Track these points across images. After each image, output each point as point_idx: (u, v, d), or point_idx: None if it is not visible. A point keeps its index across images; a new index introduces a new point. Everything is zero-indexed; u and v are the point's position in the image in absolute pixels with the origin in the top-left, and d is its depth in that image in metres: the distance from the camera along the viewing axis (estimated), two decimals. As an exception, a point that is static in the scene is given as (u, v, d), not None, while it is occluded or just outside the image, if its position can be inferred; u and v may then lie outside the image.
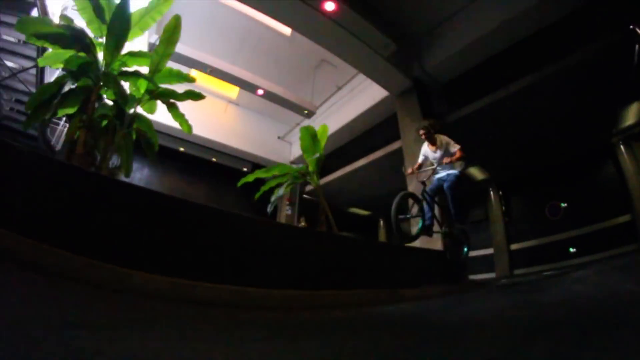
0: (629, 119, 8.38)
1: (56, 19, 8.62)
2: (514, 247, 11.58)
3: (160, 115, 4.48)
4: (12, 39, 7.62)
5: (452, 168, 4.67)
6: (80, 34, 3.53)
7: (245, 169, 12.79)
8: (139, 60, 3.96)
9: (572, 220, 10.56)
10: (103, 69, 3.60)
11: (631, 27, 5.09)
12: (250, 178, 4.91)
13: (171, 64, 4.24)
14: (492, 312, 2.54)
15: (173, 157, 12.01)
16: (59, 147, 9.49)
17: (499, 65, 6.91)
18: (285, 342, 1.46)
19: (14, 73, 7.62)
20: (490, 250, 11.69)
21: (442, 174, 4.70)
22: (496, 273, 11.21)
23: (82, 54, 3.54)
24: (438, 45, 6.95)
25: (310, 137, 4.63)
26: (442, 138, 4.72)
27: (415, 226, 4.94)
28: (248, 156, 12.41)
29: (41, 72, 7.51)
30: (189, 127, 4.44)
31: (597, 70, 6.34)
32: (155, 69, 3.92)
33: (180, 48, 8.08)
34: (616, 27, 5.49)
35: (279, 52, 9.16)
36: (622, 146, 9.13)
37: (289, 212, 10.71)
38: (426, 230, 4.59)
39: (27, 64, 7.63)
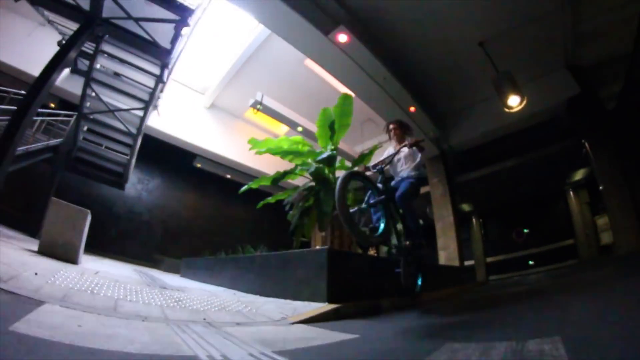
0: (577, 176, 12.10)
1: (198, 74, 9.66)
2: (489, 259, 15.11)
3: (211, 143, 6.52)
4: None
5: (413, 173, 3.57)
6: (332, 157, 5.68)
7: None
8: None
9: (531, 242, 14.26)
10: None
11: (582, 140, 8.44)
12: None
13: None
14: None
15: (216, 181, 14.10)
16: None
17: (499, 145, 10.10)
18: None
19: (110, 109, 8.20)
20: (472, 262, 15.12)
21: (400, 176, 3.66)
22: (477, 278, 14.62)
23: (320, 165, 5.70)
24: (462, 128, 9.88)
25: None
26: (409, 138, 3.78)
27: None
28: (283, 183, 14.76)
29: (144, 116, 8.45)
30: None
31: (561, 154, 9.79)
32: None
33: (279, 107, 10.37)
34: (575, 134, 8.85)
35: (339, 109, 11.60)
36: (571, 192, 12.92)
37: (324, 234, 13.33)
38: (376, 236, 3.02)
39: (134, 104, 8.36)
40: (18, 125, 4.83)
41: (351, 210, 2.74)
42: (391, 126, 3.80)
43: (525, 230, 14.64)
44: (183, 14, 6.20)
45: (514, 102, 6.67)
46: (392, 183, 3.56)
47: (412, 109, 8.24)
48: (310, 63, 9.33)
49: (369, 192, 3.18)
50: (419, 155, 3.60)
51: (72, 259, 4.23)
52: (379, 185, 3.27)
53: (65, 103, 10.92)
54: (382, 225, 3.01)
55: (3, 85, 9.97)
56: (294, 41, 6.72)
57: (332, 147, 5.94)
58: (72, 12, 6.39)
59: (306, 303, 3.35)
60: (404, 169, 3.62)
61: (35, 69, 10.12)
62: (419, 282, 3.56)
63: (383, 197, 3.12)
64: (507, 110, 6.88)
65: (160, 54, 7.09)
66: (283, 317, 2.75)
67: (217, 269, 6.18)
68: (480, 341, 1.68)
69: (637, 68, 8.03)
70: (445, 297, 5.53)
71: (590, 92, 8.65)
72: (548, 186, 13.13)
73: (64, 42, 9.40)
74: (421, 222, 3.71)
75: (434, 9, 6.91)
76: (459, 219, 10.24)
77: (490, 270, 14.87)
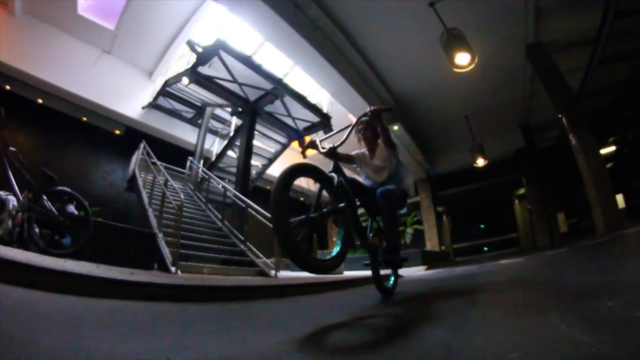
0: (520, 191, 17.11)
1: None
2: (455, 246, 20.12)
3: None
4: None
5: (396, 180, 2.82)
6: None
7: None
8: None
9: (486, 234, 19.37)
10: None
11: (521, 177, 13.13)
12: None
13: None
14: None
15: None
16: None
17: (467, 173, 14.65)
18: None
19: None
20: (443, 247, 20.05)
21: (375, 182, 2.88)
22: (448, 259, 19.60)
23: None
24: (444, 160, 14.39)
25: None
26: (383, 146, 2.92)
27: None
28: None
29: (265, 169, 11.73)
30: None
31: (509, 182, 14.55)
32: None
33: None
34: (517, 171, 13.51)
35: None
36: (516, 201, 17.99)
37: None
38: (327, 260, 2.08)
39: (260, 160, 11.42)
40: (247, 187, 8.88)
41: (293, 220, 1.87)
42: (361, 126, 2.96)
43: (482, 226, 19.75)
44: (327, 119, 9.94)
45: (481, 162, 11.09)
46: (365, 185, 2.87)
47: (418, 157, 12.51)
48: (352, 116, 13.09)
49: (318, 192, 2.18)
50: (396, 157, 2.92)
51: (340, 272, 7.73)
52: (333, 177, 2.27)
53: (131, 130, 12.59)
54: (337, 247, 2.15)
55: (64, 111, 11.07)
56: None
57: None
58: (237, 100, 9.11)
59: (418, 267, 8.25)
60: (384, 174, 2.86)
61: (105, 100, 11.42)
62: (391, 281, 2.98)
63: (343, 204, 2.18)
64: (475, 165, 11.31)
65: (297, 135, 10.51)
66: (419, 270, 7.36)
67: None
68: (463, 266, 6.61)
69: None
70: (437, 265, 10.07)
71: (532, 144, 13.18)
72: (500, 196, 18.10)
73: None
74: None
75: (440, 96, 10.94)
76: (438, 220, 14.91)
77: (457, 253, 19.89)
